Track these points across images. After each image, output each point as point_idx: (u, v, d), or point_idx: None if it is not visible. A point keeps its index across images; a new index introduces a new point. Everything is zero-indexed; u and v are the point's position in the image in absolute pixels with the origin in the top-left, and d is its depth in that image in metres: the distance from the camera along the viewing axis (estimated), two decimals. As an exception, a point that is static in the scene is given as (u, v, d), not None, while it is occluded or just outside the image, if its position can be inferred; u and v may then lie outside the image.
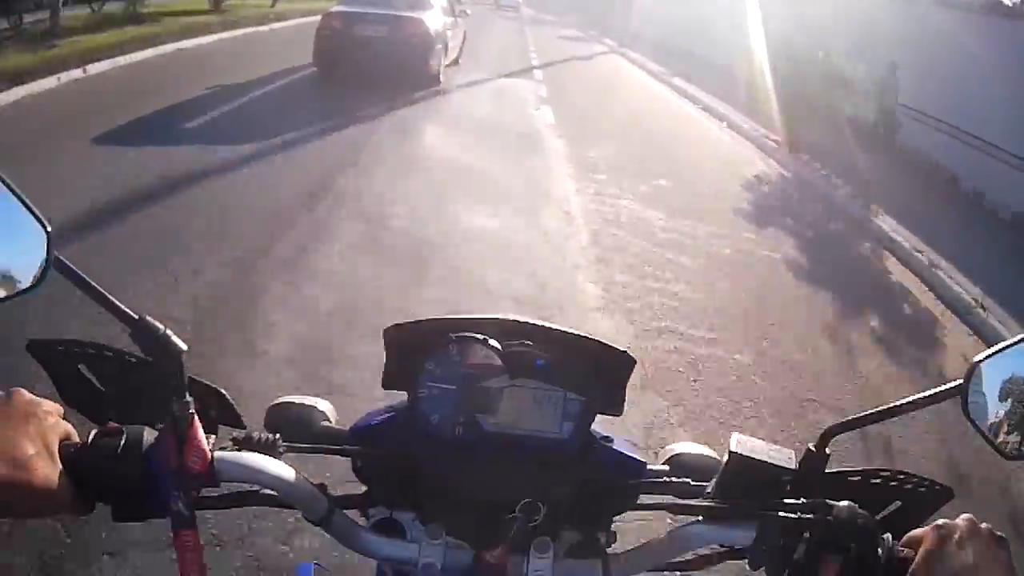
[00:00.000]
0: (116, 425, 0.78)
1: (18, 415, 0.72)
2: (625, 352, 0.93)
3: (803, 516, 0.83)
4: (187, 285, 4.50)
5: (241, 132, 8.18)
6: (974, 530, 0.75)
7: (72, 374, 0.88)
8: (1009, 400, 0.81)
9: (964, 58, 9.63)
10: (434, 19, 12.63)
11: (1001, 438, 0.82)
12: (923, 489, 0.91)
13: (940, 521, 0.78)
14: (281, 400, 1.00)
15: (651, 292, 5.33)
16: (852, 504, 0.82)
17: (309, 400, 1.01)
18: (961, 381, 0.80)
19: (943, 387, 0.81)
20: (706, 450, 1.02)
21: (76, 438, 0.76)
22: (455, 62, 14.85)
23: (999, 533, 0.77)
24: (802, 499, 0.85)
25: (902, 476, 0.91)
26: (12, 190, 0.74)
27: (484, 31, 21.98)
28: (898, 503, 0.91)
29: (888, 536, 0.80)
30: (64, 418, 0.76)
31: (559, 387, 0.91)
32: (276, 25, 18.79)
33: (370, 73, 11.81)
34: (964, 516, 0.77)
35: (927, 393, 0.81)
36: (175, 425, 0.76)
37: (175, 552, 0.77)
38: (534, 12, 53.78)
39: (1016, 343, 0.81)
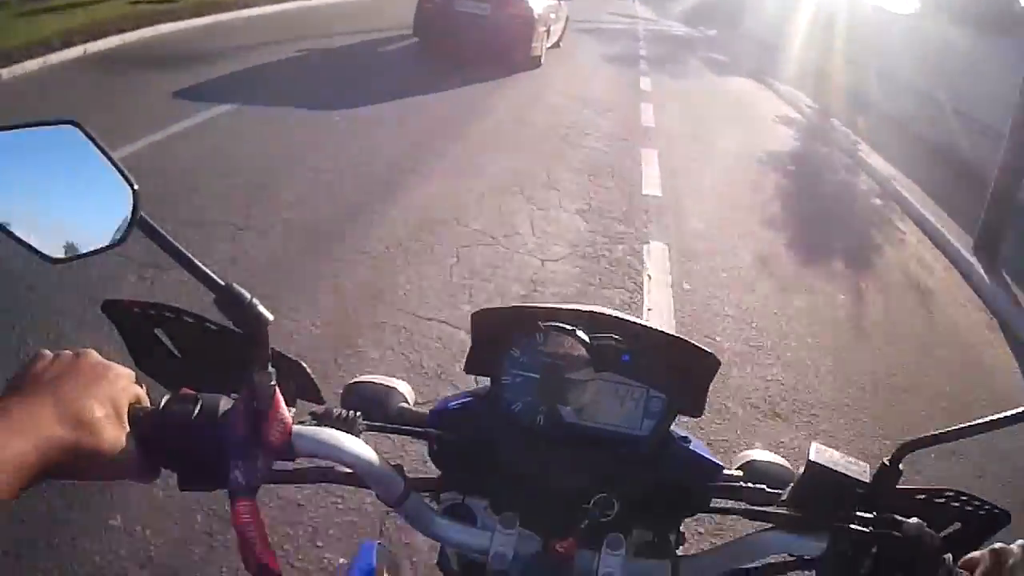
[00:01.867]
0: (191, 391, 0.79)
1: (87, 376, 0.72)
2: (711, 354, 0.94)
3: (874, 531, 0.85)
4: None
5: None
6: None
7: (148, 337, 0.89)
8: None
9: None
10: (537, 2, 12.64)
11: None
12: (983, 512, 0.93)
13: (997, 545, 0.81)
14: (359, 379, 1.02)
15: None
16: (920, 523, 0.84)
17: (389, 380, 1.03)
18: None
19: (1022, 408, 0.82)
20: (780, 459, 1.03)
21: (147, 403, 0.77)
22: (556, 45, 14.91)
23: None
24: (874, 514, 0.86)
25: (965, 497, 0.93)
26: (100, 148, 0.74)
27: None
28: (958, 524, 0.93)
29: (949, 557, 0.82)
30: (136, 383, 0.77)
31: (643, 383, 0.93)
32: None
33: (471, 50, 11.93)
34: (1019, 542, 0.80)
35: (1009, 413, 0.82)
36: (255, 395, 0.76)
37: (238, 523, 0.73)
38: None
39: None
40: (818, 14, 18.06)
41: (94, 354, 0.75)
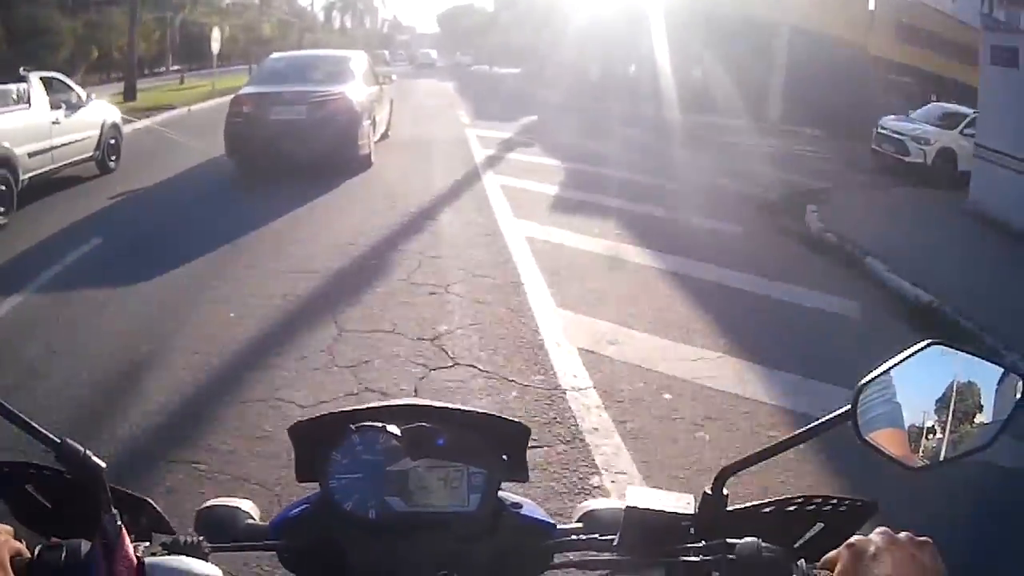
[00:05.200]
0: (58, 540, 0.92)
1: None
2: (519, 422, 1.10)
3: (705, 558, 0.94)
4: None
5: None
6: (891, 541, 0.83)
7: (20, 493, 1.02)
8: (897, 417, 0.91)
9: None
10: (357, 91, 12.61)
11: (899, 454, 0.91)
12: (844, 508, 1.00)
13: (854, 538, 0.85)
14: (207, 504, 1.12)
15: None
16: (754, 539, 0.92)
17: (234, 501, 1.13)
18: (849, 407, 0.92)
19: (832, 414, 0.93)
20: (619, 503, 1.09)
21: (26, 553, 0.90)
22: (384, 136, 14.76)
23: (921, 537, 0.84)
24: (704, 542, 0.95)
25: (819, 499, 1.00)
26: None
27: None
28: (820, 525, 1.00)
29: (802, 562, 0.90)
30: (17, 536, 0.91)
31: (460, 462, 1.04)
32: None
33: (291, 161, 11.45)
34: (879, 529, 0.85)
35: (817, 423, 0.94)
36: (104, 536, 0.89)
37: None
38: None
39: (896, 364, 0.91)
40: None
41: None
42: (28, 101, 10.16)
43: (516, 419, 1.09)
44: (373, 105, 13.09)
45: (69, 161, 11.05)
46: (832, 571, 0.85)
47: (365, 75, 13.37)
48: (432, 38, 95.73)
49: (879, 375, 0.91)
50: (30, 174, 9.75)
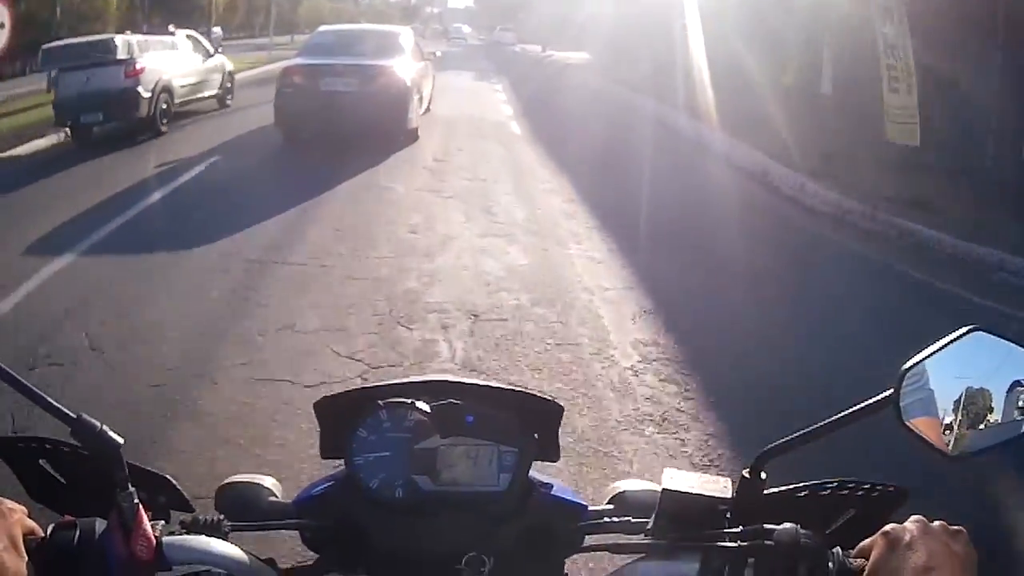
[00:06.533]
0: (71, 519, 0.90)
1: None
2: (552, 400, 1.07)
3: (743, 544, 0.92)
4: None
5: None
6: (925, 530, 0.84)
7: (34, 469, 1.00)
8: (941, 403, 0.90)
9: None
10: (407, 67, 12.73)
11: (939, 440, 0.90)
12: (876, 494, 0.99)
13: (888, 526, 0.86)
14: (228, 480, 1.10)
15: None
16: (792, 525, 0.91)
17: (256, 478, 1.10)
18: (891, 391, 0.90)
19: (875, 399, 0.91)
20: (651, 485, 1.08)
21: (40, 532, 0.88)
22: (427, 110, 14.88)
23: (955, 527, 0.85)
24: (741, 527, 0.93)
25: (852, 484, 0.99)
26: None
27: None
28: (852, 511, 1.00)
29: (837, 550, 0.89)
30: (29, 513, 0.88)
31: (490, 441, 1.02)
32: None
33: (341, 133, 11.68)
34: (914, 517, 0.86)
35: (859, 407, 0.92)
36: (121, 515, 0.88)
37: None
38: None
39: (939, 349, 0.90)
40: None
41: None
42: (178, 49, 14.93)
43: (550, 397, 1.06)
44: (421, 80, 13.22)
45: (203, 95, 15.85)
46: (867, 559, 0.85)
47: (413, 51, 13.47)
48: (465, 13, 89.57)
49: (921, 360, 0.90)
50: (179, 99, 14.34)
